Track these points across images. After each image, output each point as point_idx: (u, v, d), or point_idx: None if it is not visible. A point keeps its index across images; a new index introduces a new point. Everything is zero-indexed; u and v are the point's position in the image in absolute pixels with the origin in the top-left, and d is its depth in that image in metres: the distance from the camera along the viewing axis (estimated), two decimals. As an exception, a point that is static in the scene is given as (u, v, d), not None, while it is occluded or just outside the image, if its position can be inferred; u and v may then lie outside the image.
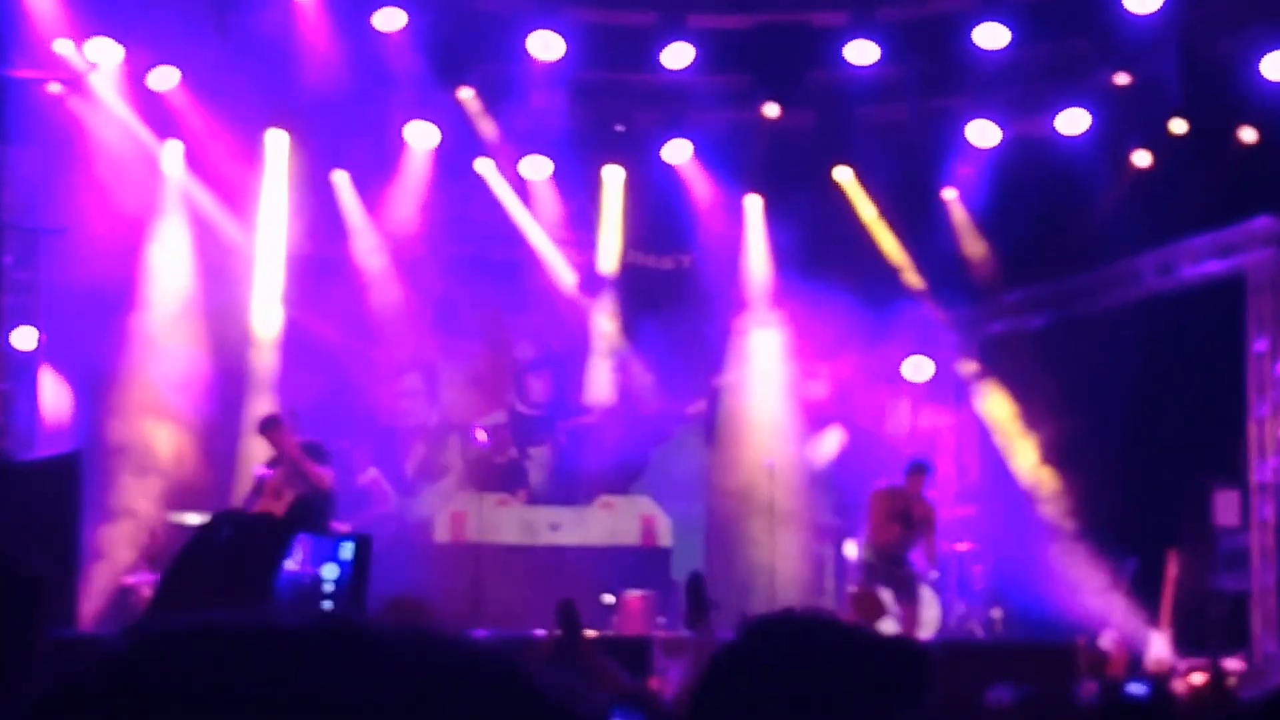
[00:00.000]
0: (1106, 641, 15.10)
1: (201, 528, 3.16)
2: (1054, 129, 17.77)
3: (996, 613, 17.68)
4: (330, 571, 3.43)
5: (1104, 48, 16.99)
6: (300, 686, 1.04)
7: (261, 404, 17.35)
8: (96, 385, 17.07)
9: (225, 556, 3.07)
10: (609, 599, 16.89)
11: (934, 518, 16.26)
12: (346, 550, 3.45)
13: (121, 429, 16.95)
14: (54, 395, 16.80)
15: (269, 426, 15.27)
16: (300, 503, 13.89)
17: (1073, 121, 17.64)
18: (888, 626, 15.02)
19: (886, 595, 15.59)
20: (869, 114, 18.53)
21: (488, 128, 18.38)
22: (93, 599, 15.53)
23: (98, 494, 16.00)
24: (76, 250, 16.30)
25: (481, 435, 19.11)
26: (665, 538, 18.98)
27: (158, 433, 17.05)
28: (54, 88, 16.29)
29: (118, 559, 16.20)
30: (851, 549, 17.78)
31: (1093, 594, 16.68)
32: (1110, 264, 17.95)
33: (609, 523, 18.92)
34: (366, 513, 17.43)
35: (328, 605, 3.66)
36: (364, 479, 17.81)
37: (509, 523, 18.57)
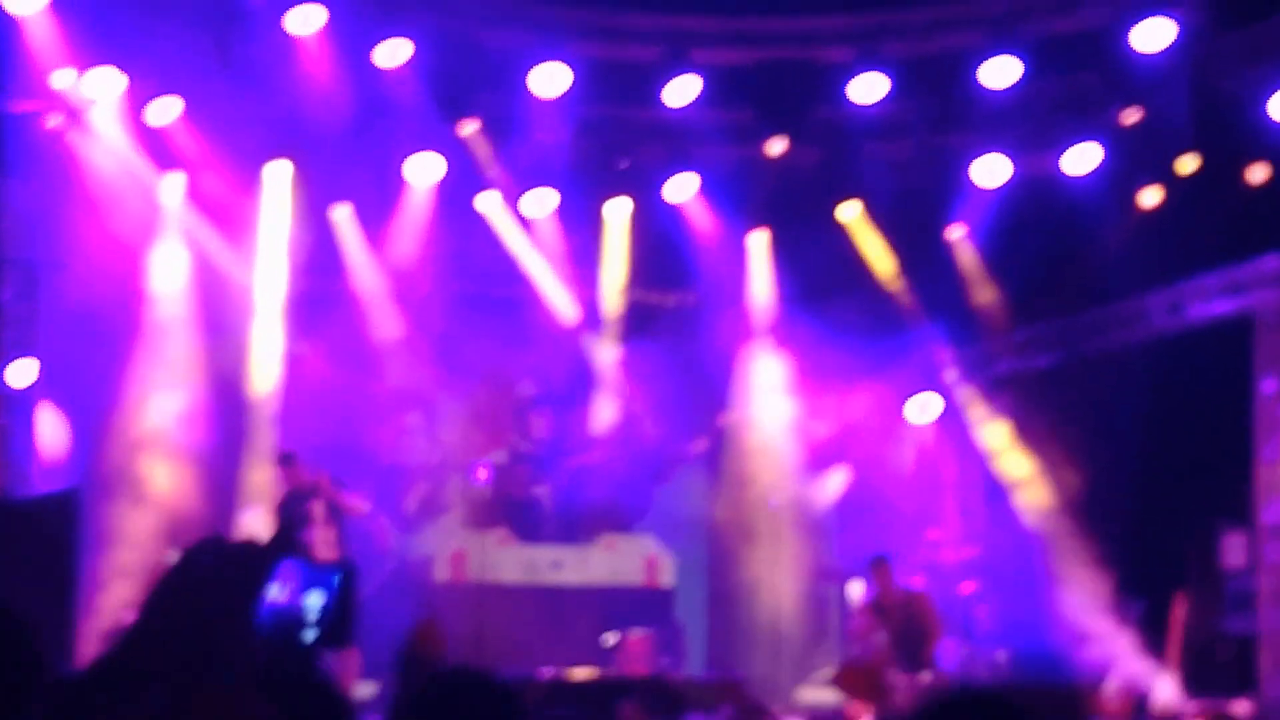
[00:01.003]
0: (1113, 685, 14.98)
1: (183, 555, 3.09)
2: (1062, 166, 17.65)
3: (1002, 655, 17.53)
4: (315, 600, 3.33)
5: (1113, 85, 16.88)
6: None
7: (262, 439, 17.26)
8: (94, 420, 16.94)
9: (206, 584, 2.97)
10: (611, 639, 16.75)
11: (918, 603, 15.91)
12: (332, 579, 3.36)
13: (120, 464, 16.82)
14: (52, 430, 16.67)
15: (287, 462, 15.31)
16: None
17: (1081, 159, 17.52)
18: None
19: (894, 673, 15.43)
20: (875, 151, 18.38)
21: (490, 163, 18.26)
22: (91, 636, 15.35)
23: (96, 530, 15.86)
24: (75, 284, 16.19)
25: (482, 473, 18.95)
26: (668, 578, 18.84)
27: (156, 468, 16.91)
28: (53, 120, 16.19)
29: (116, 596, 16.03)
30: (857, 590, 17.62)
31: (1099, 636, 16.53)
32: (1118, 302, 17.84)
33: (611, 562, 18.76)
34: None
35: (312, 634, 3.58)
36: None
37: (510, 562, 18.40)
